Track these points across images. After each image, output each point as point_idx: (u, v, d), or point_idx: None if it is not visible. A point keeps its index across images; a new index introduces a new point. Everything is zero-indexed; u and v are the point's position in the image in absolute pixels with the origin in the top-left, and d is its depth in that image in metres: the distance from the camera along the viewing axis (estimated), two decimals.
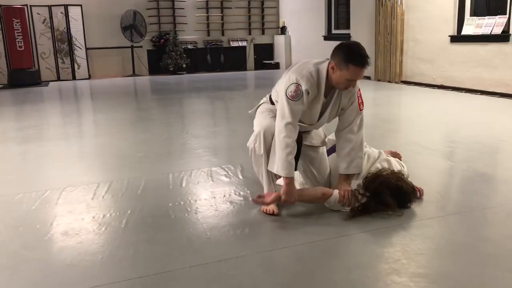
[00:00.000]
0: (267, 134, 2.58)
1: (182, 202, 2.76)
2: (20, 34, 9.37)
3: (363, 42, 8.88)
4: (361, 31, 9.09)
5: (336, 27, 10.26)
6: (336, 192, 2.53)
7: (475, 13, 7.21)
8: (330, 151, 2.83)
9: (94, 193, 2.94)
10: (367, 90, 7.63)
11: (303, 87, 2.42)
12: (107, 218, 2.55)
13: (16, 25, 9.31)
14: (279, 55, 12.18)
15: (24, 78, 9.29)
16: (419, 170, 3.19)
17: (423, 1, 7.81)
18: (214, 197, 2.84)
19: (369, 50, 8.78)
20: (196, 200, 2.80)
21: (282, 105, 2.47)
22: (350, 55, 2.37)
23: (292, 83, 2.44)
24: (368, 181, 2.52)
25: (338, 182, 2.63)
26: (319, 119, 2.62)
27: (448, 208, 2.63)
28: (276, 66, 12.14)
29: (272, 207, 2.53)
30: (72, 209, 2.69)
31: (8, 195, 2.95)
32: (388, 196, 2.46)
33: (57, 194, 2.92)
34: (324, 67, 2.47)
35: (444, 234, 2.29)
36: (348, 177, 2.61)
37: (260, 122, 2.68)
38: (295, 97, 2.43)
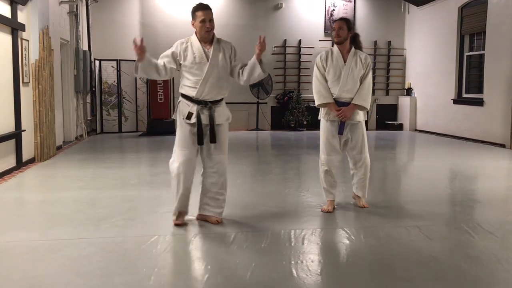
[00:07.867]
0: None
1: (304, 261, 2.77)
2: (162, 88, 10.54)
3: (498, 107, 8.41)
4: (495, 96, 8.55)
5: (467, 91, 9.80)
6: None
7: None
8: None
9: (223, 242, 3.08)
10: (502, 159, 7.06)
11: None
12: (232, 269, 2.65)
13: (159, 80, 10.44)
14: (403, 117, 11.90)
15: (161, 127, 10.30)
16: None
17: None
18: (336, 261, 2.81)
19: (505, 115, 8.20)
20: (320, 261, 2.79)
21: None
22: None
23: None
24: None
25: None
26: None
27: None
28: (399, 127, 11.84)
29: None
30: (202, 255, 2.86)
31: (145, 236, 3.22)
32: None
33: (189, 238, 3.12)
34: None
35: None
36: None
37: None
38: None
